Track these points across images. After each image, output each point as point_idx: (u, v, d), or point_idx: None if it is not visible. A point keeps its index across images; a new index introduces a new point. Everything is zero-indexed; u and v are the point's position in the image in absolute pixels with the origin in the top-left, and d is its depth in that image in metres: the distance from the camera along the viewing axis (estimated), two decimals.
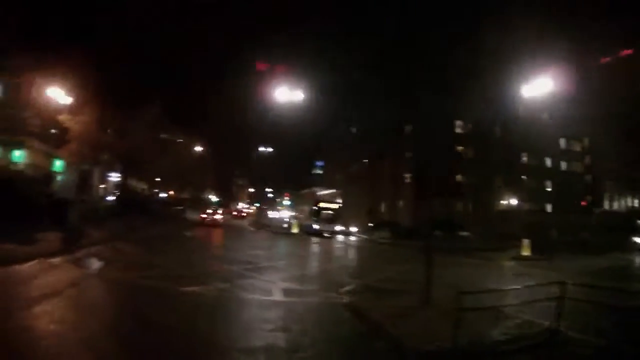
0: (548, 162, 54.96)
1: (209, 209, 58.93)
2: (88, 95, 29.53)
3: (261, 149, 79.62)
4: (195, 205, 65.05)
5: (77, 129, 28.53)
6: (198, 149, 66.00)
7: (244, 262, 16.34)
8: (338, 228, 40.34)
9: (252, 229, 44.46)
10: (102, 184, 48.23)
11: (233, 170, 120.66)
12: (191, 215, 50.94)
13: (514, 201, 49.53)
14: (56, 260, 12.62)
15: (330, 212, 40.09)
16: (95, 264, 13.08)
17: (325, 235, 36.98)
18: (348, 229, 43.66)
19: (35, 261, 11.80)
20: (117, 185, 43.53)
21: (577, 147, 57.51)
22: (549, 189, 54.35)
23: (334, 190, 44.47)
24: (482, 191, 47.55)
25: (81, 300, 8.90)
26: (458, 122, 51.99)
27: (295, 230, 41.35)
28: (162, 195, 72.83)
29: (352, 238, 40.76)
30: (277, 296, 10.89)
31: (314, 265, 19.36)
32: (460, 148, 50.84)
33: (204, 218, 47.63)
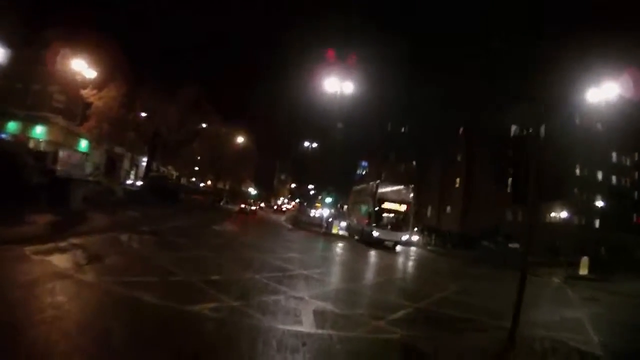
0: (599, 175, 52.59)
1: (247, 202, 58.33)
2: (115, 71, 27.90)
3: (306, 144, 77.07)
4: (233, 197, 63.65)
5: (100, 104, 26.78)
6: (240, 139, 65.25)
7: (272, 268, 13.62)
8: (405, 237, 31.97)
9: (289, 226, 41.79)
10: (133, 169, 47.01)
11: (275, 164, 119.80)
12: (227, 206, 49.11)
13: (563, 214, 48.12)
14: (30, 248, 10.03)
15: (396, 214, 31.45)
16: (77, 258, 10.33)
17: (388, 245, 30.04)
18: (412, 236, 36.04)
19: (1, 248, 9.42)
20: (150, 172, 41.83)
21: (628, 162, 54.90)
22: (598, 203, 51.47)
23: (401, 187, 33.74)
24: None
25: (19, 315, 6.08)
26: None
27: (335, 230, 38.59)
28: (200, 184, 71.78)
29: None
30: (306, 324, 7.90)
31: (354, 277, 16.19)
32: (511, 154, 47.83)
33: (241, 210, 46.66)
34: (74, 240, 12.07)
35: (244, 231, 28.73)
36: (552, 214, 47.94)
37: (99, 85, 27.13)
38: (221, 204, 56.76)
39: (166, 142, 32.48)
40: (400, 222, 31.04)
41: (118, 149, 36.03)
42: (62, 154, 16.83)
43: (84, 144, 34.30)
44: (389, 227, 30.35)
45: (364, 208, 34.16)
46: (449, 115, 53.69)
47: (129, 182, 34.06)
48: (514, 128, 50.83)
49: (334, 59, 27.81)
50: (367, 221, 31.44)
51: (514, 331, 7.54)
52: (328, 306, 9.51)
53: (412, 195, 32.73)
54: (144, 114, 29.62)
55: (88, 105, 27.28)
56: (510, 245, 34.10)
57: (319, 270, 15.05)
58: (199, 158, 64.72)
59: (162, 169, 51.20)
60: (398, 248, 30.93)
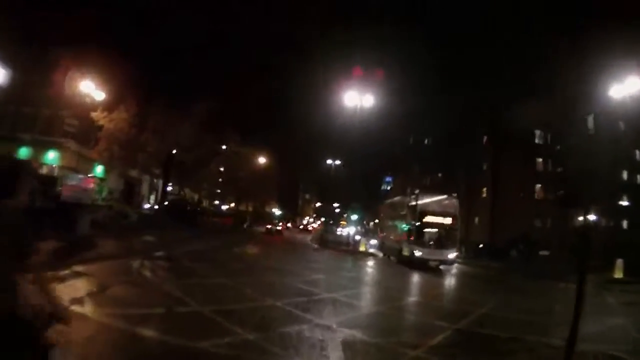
0: (624, 175, 50.72)
1: (273, 223, 58.05)
2: (125, 91, 27.48)
3: (328, 162, 76.22)
4: (257, 219, 63.04)
5: (111, 126, 26.26)
6: (262, 160, 64.95)
7: (296, 293, 12.43)
8: (452, 255, 27.59)
9: (315, 246, 40.71)
10: (153, 192, 46.48)
11: (298, 183, 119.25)
12: (251, 228, 48.54)
13: (591, 216, 45.27)
14: (27, 277, 9.02)
15: (440, 229, 27.31)
16: (77, 288, 9.31)
17: (432, 265, 26.60)
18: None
19: None
20: (167, 195, 41.18)
21: None
22: (624, 203, 49.89)
23: (444, 197, 29.44)
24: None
25: None
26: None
27: (362, 248, 37.28)
28: (222, 207, 71.22)
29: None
30: None
31: (384, 298, 14.85)
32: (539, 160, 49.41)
33: (267, 231, 48.32)
34: (77, 268, 11.11)
35: (266, 253, 27.53)
36: (580, 217, 46.75)
37: (109, 106, 26.68)
38: (245, 226, 55.93)
39: (181, 162, 31.74)
40: (445, 238, 27.09)
41: (134, 173, 35.45)
42: (69, 178, 15.98)
43: (99, 169, 33.89)
44: (433, 244, 26.58)
45: (400, 224, 30.44)
46: (472, 123, 52.29)
47: (146, 206, 33.24)
48: (538, 133, 50.08)
49: (361, 74, 27.88)
50: (406, 239, 27.83)
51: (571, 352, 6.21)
52: (358, 335, 8.35)
53: (457, 205, 28.80)
54: (155, 134, 28.82)
55: (99, 128, 26.78)
56: (540, 252, 33.75)
57: (347, 292, 13.86)
58: (220, 180, 64.42)
59: (182, 192, 50.59)
60: (442, 266, 27.40)
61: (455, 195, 30.32)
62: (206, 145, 32.16)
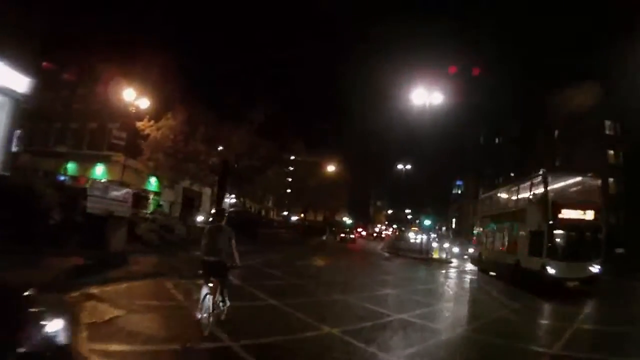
0: None
1: (346, 232, 57.08)
2: (173, 97, 26.53)
3: (399, 166, 73.77)
4: (329, 229, 61.88)
5: (157, 135, 25.17)
6: (331, 168, 63.85)
7: (358, 316, 10.19)
8: (596, 269, 17.15)
9: (386, 254, 38.29)
10: (214, 206, 45.51)
11: (369, 191, 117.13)
12: (322, 238, 47.40)
13: None
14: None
15: (580, 229, 17.56)
16: (80, 315, 7.41)
17: (570, 285, 17.16)
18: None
19: None
20: (225, 207, 39.96)
21: None
22: None
23: (581, 177, 19.55)
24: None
25: None
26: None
27: (436, 255, 34.44)
28: (293, 218, 70.22)
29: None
30: None
31: (472, 317, 12.30)
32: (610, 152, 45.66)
33: (342, 240, 50.93)
34: (94, 290, 9.45)
35: (331, 265, 24.85)
36: None
37: (156, 115, 25.72)
38: (324, 237, 54.40)
39: (237, 170, 30.21)
40: (588, 244, 17.53)
41: (195, 186, 34.43)
42: (97, 189, 14.59)
43: (152, 182, 33.17)
44: (571, 254, 17.11)
45: (516, 226, 21.13)
46: (544, 118, 48.70)
47: (200, 219, 31.92)
48: (607, 123, 45.49)
49: (455, 72, 26.95)
50: (527, 247, 18.88)
51: None
52: None
53: (599, 190, 20.03)
54: (205, 141, 27.43)
55: (145, 137, 25.84)
56: (617, 250, 29.84)
57: (421, 311, 11.48)
58: (288, 191, 63.55)
59: (240, 201, 49.61)
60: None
61: (590, 175, 19.64)
62: (263, 152, 30.44)
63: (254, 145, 29.20)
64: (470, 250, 33.67)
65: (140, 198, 25.17)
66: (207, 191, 37.98)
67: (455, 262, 33.79)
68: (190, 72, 27.26)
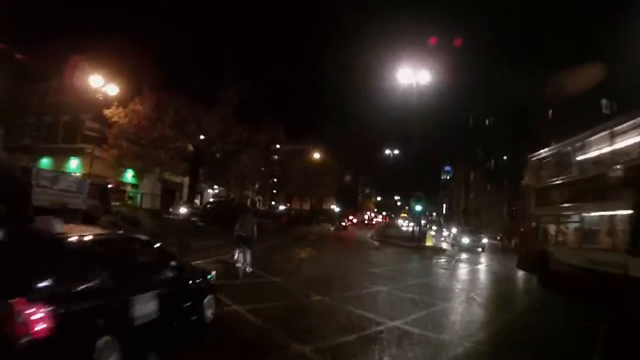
0: None
1: (338, 220, 56.50)
2: (141, 81, 25.29)
3: (386, 152, 72.75)
4: (314, 217, 60.70)
5: (125, 122, 23.90)
6: (317, 156, 62.96)
7: (344, 324, 8.78)
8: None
9: (375, 243, 37.22)
10: (197, 197, 44.33)
11: (357, 178, 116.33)
12: (308, 227, 46.47)
13: None
14: None
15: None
16: None
17: None
18: None
19: None
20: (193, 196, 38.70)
21: None
22: None
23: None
24: None
25: None
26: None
27: (429, 243, 33.29)
28: (281, 207, 69.28)
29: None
30: None
31: (484, 325, 10.29)
32: None
33: (336, 228, 51.57)
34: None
35: (315, 258, 23.08)
36: None
37: (126, 101, 24.45)
38: (310, 227, 52.90)
39: (210, 156, 28.98)
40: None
41: (175, 178, 33.18)
42: (44, 177, 13.44)
43: (129, 174, 31.95)
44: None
45: (592, 207, 13.87)
46: (536, 97, 47.52)
47: (182, 211, 30.66)
48: (604, 102, 44.65)
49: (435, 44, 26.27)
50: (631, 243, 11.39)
51: None
52: None
53: None
54: (174, 125, 26.08)
55: (113, 124, 24.59)
56: None
57: (417, 315, 10.13)
58: (275, 180, 62.38)
59: (230, 195, 48.28)
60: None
61: None
62: (235, 135, 29.13)
63: (226, 128, 27.99)
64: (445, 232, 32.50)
65: (108, 191, 23.60)
66: (187, 181, 36.86)
67: (464, 255, 30.60)
68: (159, 55, 26.06)
